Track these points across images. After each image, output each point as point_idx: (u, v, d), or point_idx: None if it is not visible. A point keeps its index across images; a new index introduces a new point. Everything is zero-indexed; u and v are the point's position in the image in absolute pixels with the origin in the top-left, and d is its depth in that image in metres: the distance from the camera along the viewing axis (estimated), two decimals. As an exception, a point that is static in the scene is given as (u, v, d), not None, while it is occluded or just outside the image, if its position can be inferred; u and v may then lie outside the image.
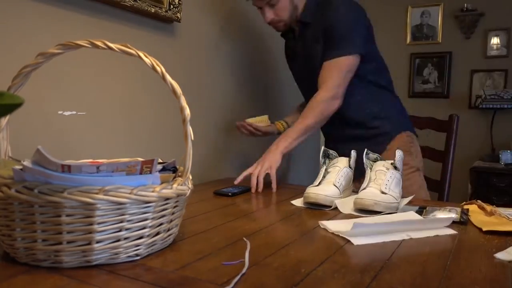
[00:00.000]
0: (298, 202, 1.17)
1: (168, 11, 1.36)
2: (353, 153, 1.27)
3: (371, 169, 1.18)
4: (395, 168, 1.16)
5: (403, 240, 0.83)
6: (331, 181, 1.18)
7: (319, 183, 1.18)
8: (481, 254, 0.76)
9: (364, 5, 1.60)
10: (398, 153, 1.19)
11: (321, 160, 1.28)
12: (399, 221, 0.92)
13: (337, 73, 1.37)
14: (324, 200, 1.11)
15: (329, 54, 1.38)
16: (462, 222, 0.96)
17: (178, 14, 1.40)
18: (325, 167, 1.25)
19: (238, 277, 0.62)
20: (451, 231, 0.90)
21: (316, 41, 1.44)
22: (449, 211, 1.02)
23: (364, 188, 1.11)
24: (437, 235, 0.87)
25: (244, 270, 0.65)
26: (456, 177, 1.99)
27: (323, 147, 1.30)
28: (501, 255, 0.75)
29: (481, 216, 1.02)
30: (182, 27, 1.48)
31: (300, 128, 1.38)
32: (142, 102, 1.34)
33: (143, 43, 1.33)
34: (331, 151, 1.30)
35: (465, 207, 1.10)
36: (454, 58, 3.32)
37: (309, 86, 1.49)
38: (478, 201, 1.11)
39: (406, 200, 1.19)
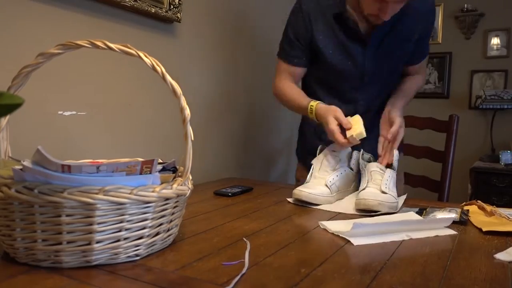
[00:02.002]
0: (291, 199, 1.19)
1: (168, 11, 1.36)
2: (355, 153, 1.27)
3: (365, 169, 1.18)
4: (393, 168, 1.17)
5: (403, 240, 0.83)
6: (323, 179, 1.18)
7: (311, 179, 1.20)
8: (481, 255, 0.76)
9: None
10: (395, 153, 1.20)
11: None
12: (399, 221, 0.92)
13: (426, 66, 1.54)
14: (307, 198, 1.13)
15: (420, 58, 1.46)
16: (462, 222, 0.96)
17: (178, 14, 1.40)
18: (317, 159, 1.25)
19: (238, 277, 0.62)
20: (451, 232, 0.90)
21: (409, 40, 1.34)
22: (449, 211, 1.02)
23: (364, 189, 1.11)
24: (437, 235, 0.87)
25: (244, 270, 0.65)
26: (456, 178, 1.99)
27: (320, 145, 1.30)
28: (501, 256, 0.75)
29: (481, 216, 1.02)
30: (182, 27, 1.48)
31: (406, 101, 1.41)
32: (142, 102, 1.34)
33: (143, 43, 1.33)
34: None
35: (465, 207, 1.10)
36: (454, 59, 3.32)
37: (354, 86, 1.38)
38: (478, 201, 1.11)
39: (402, 198, 1.19)
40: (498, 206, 1.07)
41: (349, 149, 1.27)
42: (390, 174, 1.13)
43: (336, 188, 1.18)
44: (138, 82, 1.31)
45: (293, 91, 1.40)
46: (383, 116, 1.31)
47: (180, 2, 1.40)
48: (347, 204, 1.14)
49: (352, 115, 1.24)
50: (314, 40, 1.34)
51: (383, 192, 1.07)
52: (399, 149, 1.27)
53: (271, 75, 2.12)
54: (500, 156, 2.87)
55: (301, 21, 1.33)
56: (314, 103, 1.27)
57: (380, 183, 1.11)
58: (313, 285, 0.61)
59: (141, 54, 0.67)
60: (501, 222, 0.95)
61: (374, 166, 1.16)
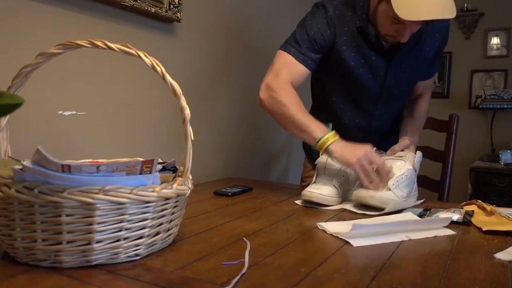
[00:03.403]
0: (299, 201, 1.19)
1: (168, 11, 1.36)
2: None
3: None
4: (414, 170, 1.16)
5: (402, 241, 0.83)
6: (330, 179, 1.18)
7: (317, 179, 1.19)
8: (481, 254, 0.76)
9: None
10: (419, 154, 1.19)
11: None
12: (398, 222, 0.92)
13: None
14: (318, 199, 1.12)
15: (433, 72, 1.49)
16: (465, 223, 0.96)
17: (178, 14, 1.40)
18: (321, 161, 1.25)
19: (238, 277, 0.62)
20: (450, 232, 0.90)
21: (429, 57, 1.36)
22: (453, 212, 1.02)
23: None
24: (436, 236, 0.87)
25: (244, 270, 0.65)
26: (456, 177, 1.99)
27: None
28: (501, 255, 0.75)
29: (481, 216, 1.02)
30: (182, 27, 1.48)
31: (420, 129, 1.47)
32: (142, 102, 1.34)
33: (143, 43, 1.33)
34: None
35: (465, 207, 1.10)
36: (454, 58, 3.32)
37: (372, 99, 1.37)
38: (478, 201, 1.11)
39: (413, 201, 1.18)
40: (498, 206, 1.07)
41: None
42: (407, 173, 1.13)
43: (343, 188, 1.18)
44: (138, 82, 1.31)
45: (299, 103, 1.22)
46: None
47: (180, 2, 1.40)
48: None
49: (366, 127, 1.31)
50: (337, 48, 1.29)
51: (389, 190, 1.07)
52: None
53: (271, 75, 2.12)
54: (500, 156, 2.86)
55: (325, 25, 1.27)
56: (333, 137, 1.14)
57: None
58: (313, 285, 0.61)
59: (141, 54, 0.67)
60: (501, 221, 0.95)
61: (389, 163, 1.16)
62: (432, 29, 1.30)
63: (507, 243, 0.82)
